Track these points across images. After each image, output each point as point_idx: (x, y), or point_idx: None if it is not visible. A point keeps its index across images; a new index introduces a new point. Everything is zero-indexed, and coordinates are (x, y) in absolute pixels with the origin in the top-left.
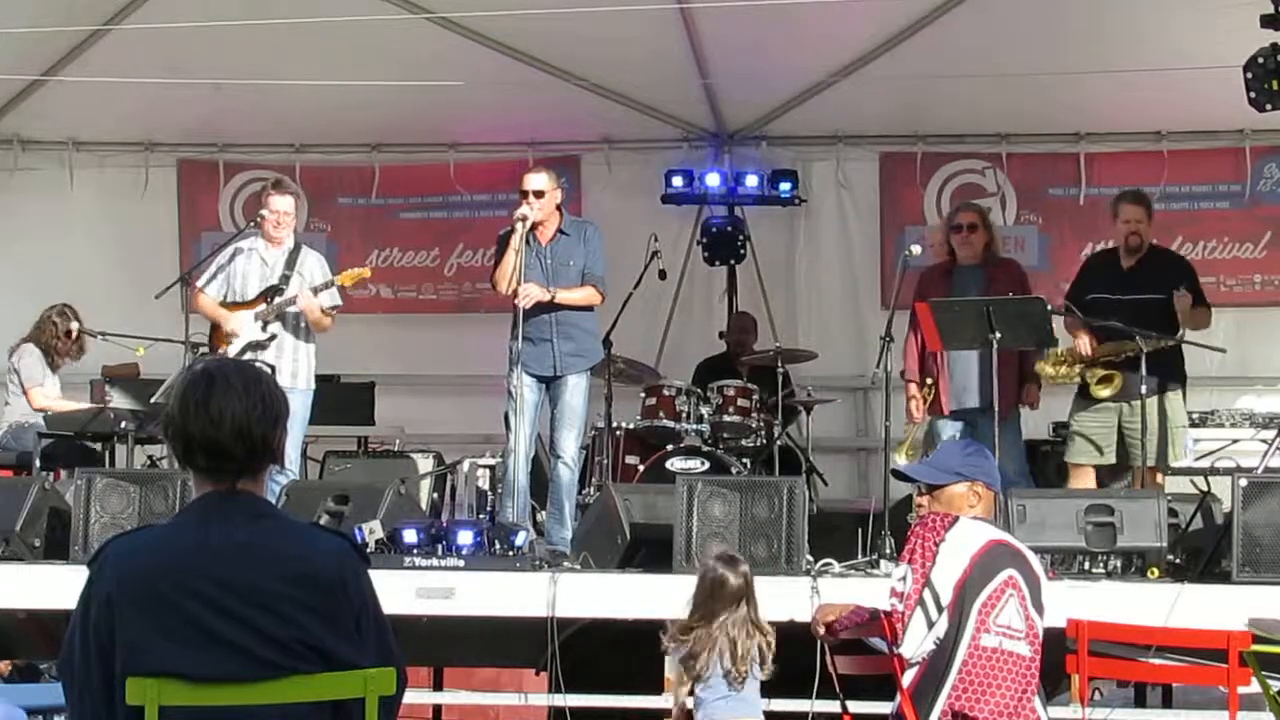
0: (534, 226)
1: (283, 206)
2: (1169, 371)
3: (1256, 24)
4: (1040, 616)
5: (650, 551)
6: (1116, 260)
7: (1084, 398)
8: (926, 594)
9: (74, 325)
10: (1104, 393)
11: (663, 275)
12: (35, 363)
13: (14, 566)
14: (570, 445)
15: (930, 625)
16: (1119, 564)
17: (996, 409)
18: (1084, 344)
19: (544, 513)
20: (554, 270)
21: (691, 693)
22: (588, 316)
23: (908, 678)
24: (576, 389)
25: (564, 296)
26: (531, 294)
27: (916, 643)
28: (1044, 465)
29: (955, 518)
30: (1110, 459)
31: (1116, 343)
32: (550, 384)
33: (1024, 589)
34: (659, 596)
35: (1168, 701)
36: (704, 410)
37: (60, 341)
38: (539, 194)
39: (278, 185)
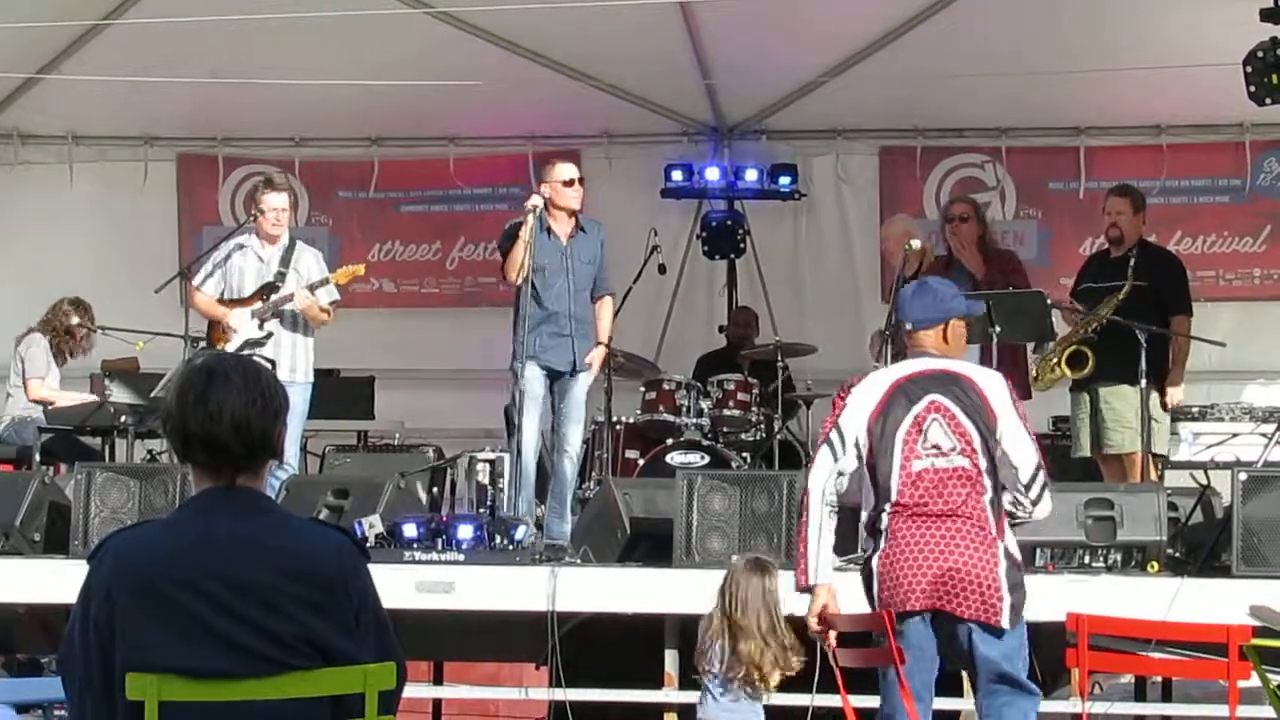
0: (552, 215)
1: (279, 204)
2: (1147, 361)
3: (1256, 18)
4: (1000, 421)
5: (650, 546)
6: (1108, 253)
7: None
8: (834, 434)
9: (74, 320)
10: (1073, 373)
11: (662, 269)
12: (40, 354)
13: (14, 561)
14: (576, 439)
15: (835, 459)
16: (1119, 558)
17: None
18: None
19: (543, 507)
20: (574, 269)
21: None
22: (592, 316)
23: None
24: (584, 384)
25: (605, 335)
26: (596, 361)
27: (819, 476)
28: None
29: (866, 374)
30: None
31: (1081, 321)
32: (559, 379)
33: (952, 409)
34: (659, 591)
35: (1167, 695)
36: (704, 404)
37: (66, 332)
38: (583, 181)
39: (270, 184)
